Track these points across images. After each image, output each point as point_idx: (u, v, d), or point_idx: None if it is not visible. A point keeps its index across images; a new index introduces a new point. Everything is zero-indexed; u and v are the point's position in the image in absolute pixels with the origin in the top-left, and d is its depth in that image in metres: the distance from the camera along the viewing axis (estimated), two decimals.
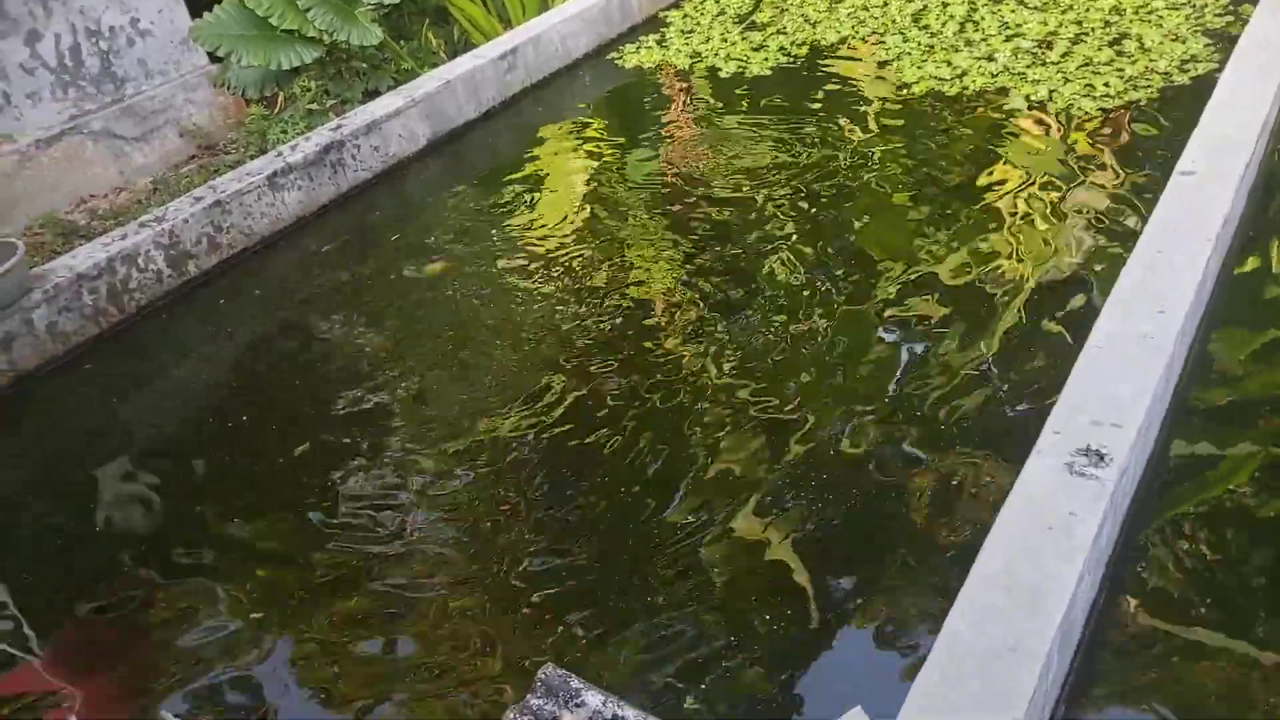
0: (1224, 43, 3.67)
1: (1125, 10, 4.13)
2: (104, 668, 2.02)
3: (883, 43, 4.33)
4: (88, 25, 4.53)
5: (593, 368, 2.60)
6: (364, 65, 5.10)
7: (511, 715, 1.38)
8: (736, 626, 1.84)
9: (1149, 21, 3.99)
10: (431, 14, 5.55)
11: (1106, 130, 3.34)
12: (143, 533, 2.37)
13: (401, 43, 5.32)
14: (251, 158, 4.68)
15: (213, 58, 4.94)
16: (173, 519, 2.39)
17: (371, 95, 4.95)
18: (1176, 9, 4.06)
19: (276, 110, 5.04)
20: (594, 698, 1.37)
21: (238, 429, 2.62)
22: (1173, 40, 3.81)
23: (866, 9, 4.73)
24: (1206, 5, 4.05)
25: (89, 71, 4.58)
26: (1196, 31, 3.84)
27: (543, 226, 3.37)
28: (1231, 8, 3.98)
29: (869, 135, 3.60)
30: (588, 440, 2.36)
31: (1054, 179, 3.10)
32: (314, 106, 4.87)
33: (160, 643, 2.04)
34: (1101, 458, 1.70)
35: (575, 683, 1.39)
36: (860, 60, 4.26)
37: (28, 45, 4.34)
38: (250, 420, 2.65)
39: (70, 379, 2.93)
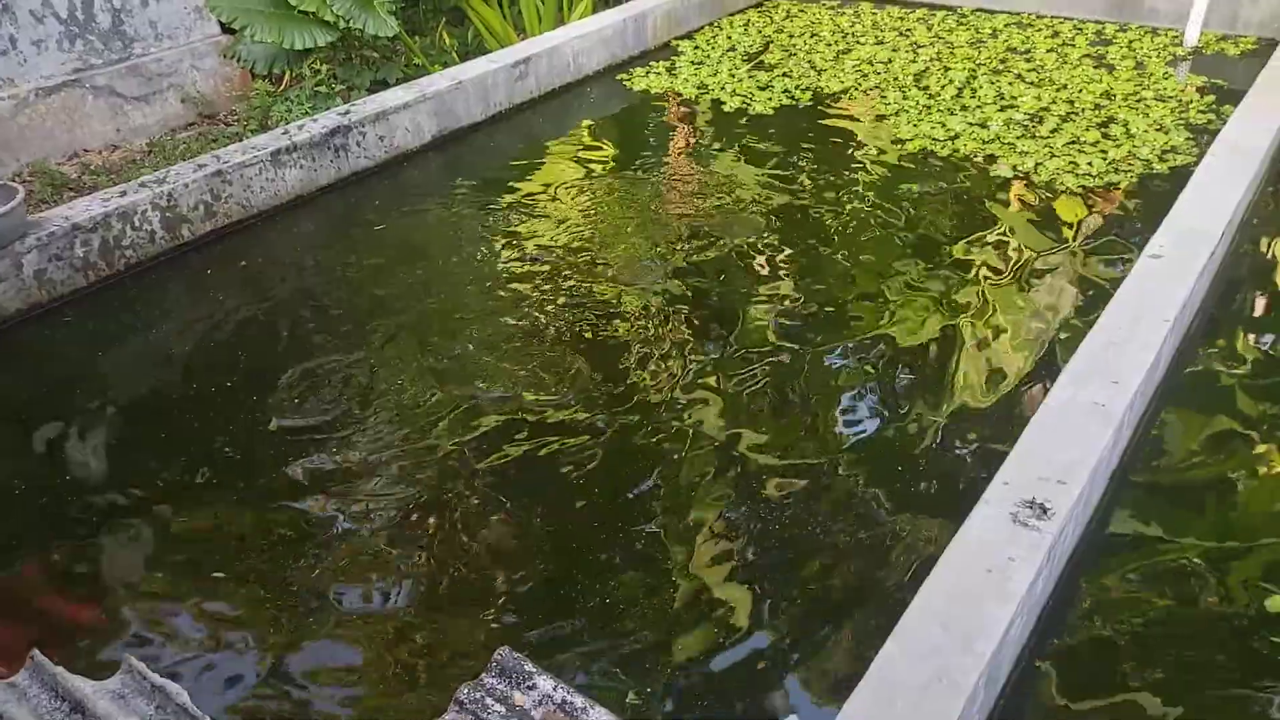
0: (1204, 138, 3.85)
1: (1116, 96, 4.31)
2: (57, 611, 2.04)
3: (883, 98, 4.47)
4: None
5: (556, 380, 2.67)
6: (375, 55, 5.17)
7: (465, 691, 1.43)
8: (676, 635, 1.91)
9: (1137, 110, 4.17)
10: (448, 13, 5.64)
11: (1085, 207, 3.49)
12: (98, 483, 2.39)
13: (415, 38, 5.40)
14: (252, 132, 4.72)
15: (225, 29, 4.98)
16: (129, 473, 2.41)
17: (379, 85, 5.02)
18: (1163, 101, 4.24)
19: (282, 88, 5.08)
20: (545, 682, 1.43)
21: (206, 395, 2.65)
22: (1157, 130, 3.98)
23: (871, 64, 4.89)
24: (1191, 101, 4.24)
25: (99, 26, 4.60)
26: (1180, 125, 4.02)
27: (531, 235, 3.44)
28: (1214, 106, 4.17)
29: (858, 184, 3.72)
30: (545, 452, 2.42)
31: (1029, 247, 3.24)
32: (321, 89, 4.92)
33: (110, 590, 2.06)
34: (1045, 511, 1.80)
35: (529, 666, 1.45)
36: (860, 112, 4.40)
37: None
38: (218, 388, 2.67)
39: (50, 328, 2.95)
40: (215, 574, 2.10)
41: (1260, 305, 2.96)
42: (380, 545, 2.15)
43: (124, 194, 3.18)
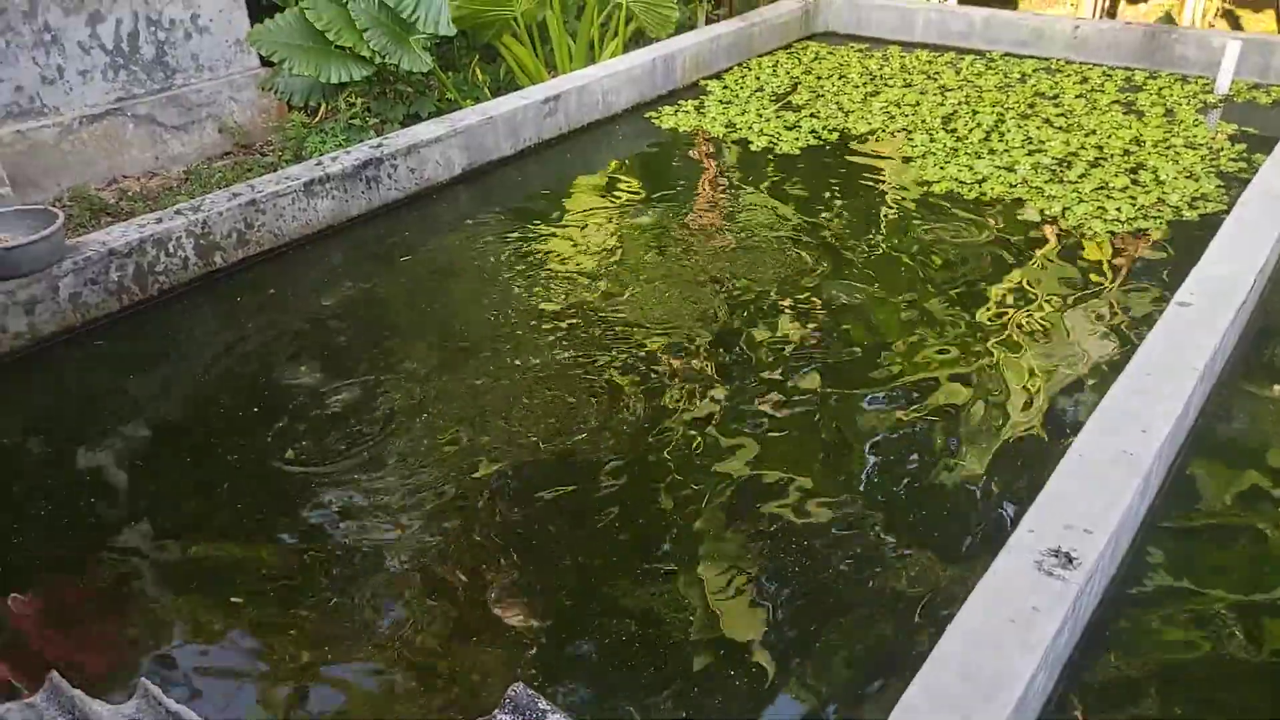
0: (1234, 185, 3.82)
1: (1145, 142, 4.30)
2: (76, 633, 2.06)
3: (911, 140, 4.49)
4: (150, 15, 4.69)
5: (578, 418, 2.67)
6: (409, 90, 5.26)
7: None
8: (692, 677, 1.89)
9: (1166, 156, 4.16)
10: (481, 50, 5.73)
11: (1113, 253, 3.46)
12: (118, 506, 2.41)
13: (449, 74, 5.49)
14: (287, 162, 4.81)
15: (264, 61, 5.10)
16: (150, 498, 2.43)
17: (412, 119, 5.10)
18: (1194, 148, 4.23)
19: (317, 120, 5.18)
20: None
21: (231, 421, 2.68)
22: (1186, 177, 3.96)
23: (899, 106, 4.91)
24: (1222, 149, 4.22)
25: (143, 58, 4.73)
26: (1210, 172, 4.00)
27: (556, 271, 3.47)
28: (1245, 154, 4.15)
29: (885, 225, 3.73)
30: (565, 490, 2.42)
31: (1056, 292, 3.22)
32: (355, 122, 5.01)
33: (131, 614, 2.07)
34: (1070, 560, 1.77)
35: (543, 704, 1.44)
36: (887, 153, 4.41)
37: (89, 25, 4.49)
38: (244, 415, 2.70)
39: (83, 350, 3.00)
40: (233, 600, 2.11)
41: None
42: (396, 580, 2.15)
43: (160, 221, 3.24)
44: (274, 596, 2.12)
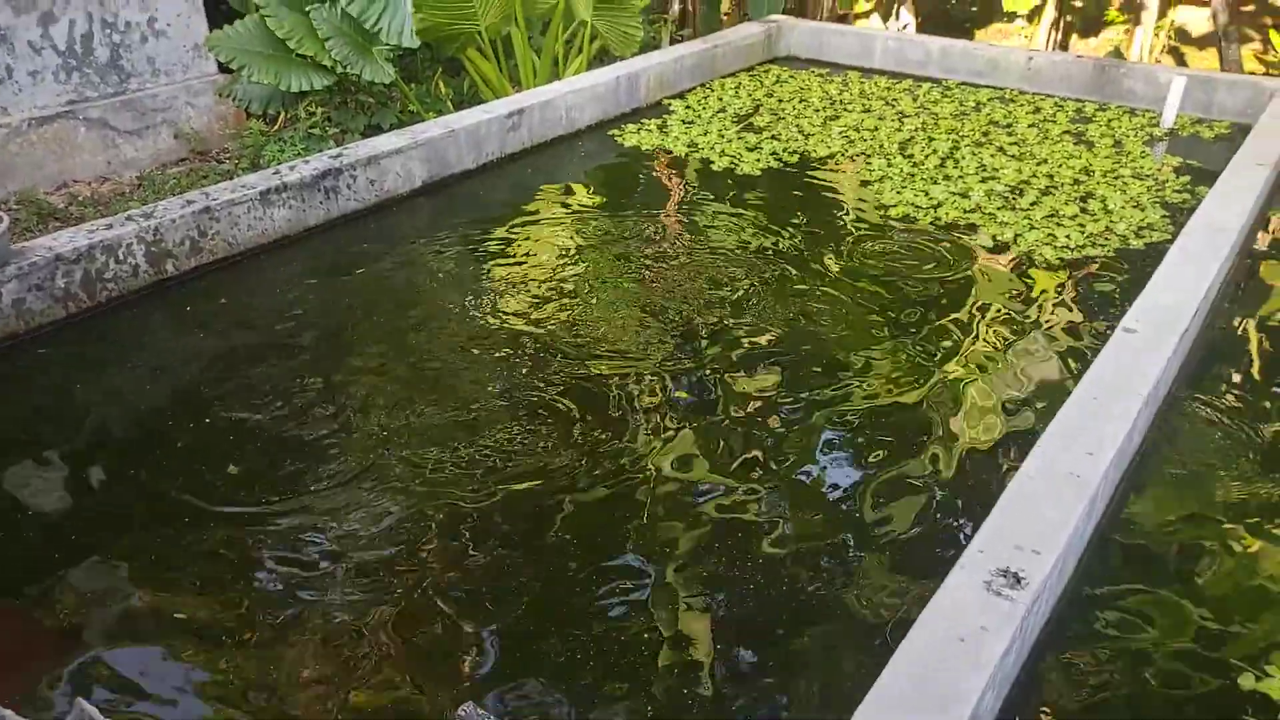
0: (1179, 216, 3.94)
1: (1095, 172, 4.42)
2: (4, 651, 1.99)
3: (869, 164, 4.56)
4: (105, 17, 4.61)
5: (536, 433, 2.66)
6: (370, 100, 5.23)
7: None
8: (645, 694, 1.88)
9: (1114, 186, 4.27)
10: (445, 63, 5.72)
11: (1062, 278, 3.55)
12: (56, 520, 2.35)
13: (411, 86, 5.47)
14: (243, 170, 4.75)
15: (223, 68, 5.04)
16: (88, 512, 2.37)
17: (373, 130, 5.07)
18: (1141, 179, 4.35)
19: (276, 128, 5.12)
20: None
21: (175, 433, 2.62)
22: (1134, 207, 4.07)
23: (858, 130, 4.99)
24: (1168, 181, 4.35)
25: (96, 60, 4.64)
26: (1156, 203, 4.12)
27: (514, 285, 3.46)
28: (1189, 186, 4.28)
29: (841, 247, 3.78)
30: (518, 507, 2.40)
31: (1007, 316, 3.28)
32: (315, 131, 4.97)
33: (63, 631, 2.01)
34: (1019, 580, 1.80)
35: None
36: (845, 176, 4.48)
37: (41, 25, 4.40)
38: (189, 427, 2.65)
39: (26, 357, 2.92)
40: (176, 615, 2.06)
41: (1233, 381, 3.01)
42: (343, 599, 2.11)
43: (110, 227, 3.17)
44: (214, 614, 2.07)
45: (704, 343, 3.10)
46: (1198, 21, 8.17)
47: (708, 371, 2.94)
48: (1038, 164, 4.51)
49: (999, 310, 3.32)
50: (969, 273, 3.58)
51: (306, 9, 4.81)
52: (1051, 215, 3.99)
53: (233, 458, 2.52)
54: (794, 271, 3.57)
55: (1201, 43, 8.15)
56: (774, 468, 2.53)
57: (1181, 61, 7.98)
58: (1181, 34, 8.24)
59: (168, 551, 2.23)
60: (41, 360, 2.92)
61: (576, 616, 2.07)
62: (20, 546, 2.25)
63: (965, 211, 4.04)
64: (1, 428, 2.65)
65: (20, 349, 2.94)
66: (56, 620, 2.05)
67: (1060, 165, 4.49)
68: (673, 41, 6.68)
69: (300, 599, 2.10)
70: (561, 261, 3.64)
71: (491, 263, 3.62)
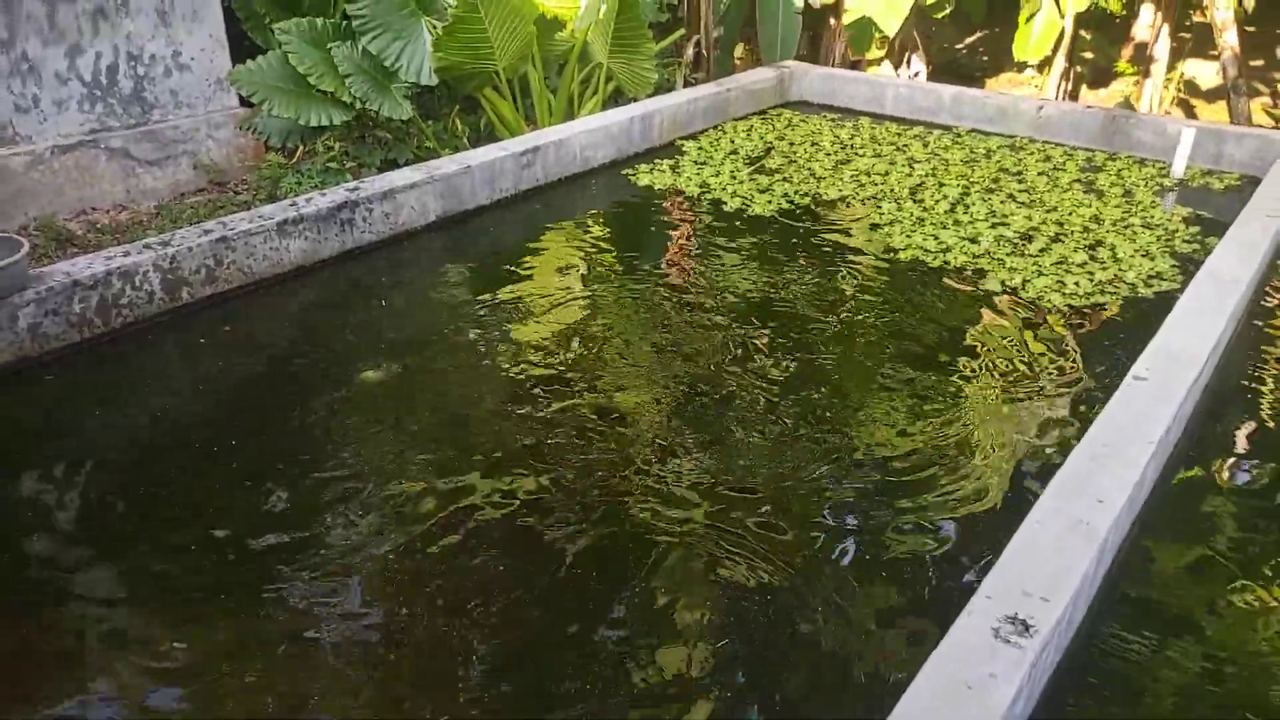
0: (1188, 266, 3.95)
1: (1104, 221, 4.44)
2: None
3: (879, 208, 4.59)
4: (130, 50, 4.71)
5: (539, 472, 2.66)
6: (388, 136, 5.31)
7: None
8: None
9: (1124, 235, 4.29)
10: (462, 101, 5.81)
11: (1071, 326, 3.55)
12: (56, 539, 2.35)
13: (428, 122, 5.55)
14: (261, 201, 4.81)
15: (243, 101, 5.12)
16: (90, 533, 2.37)
17: (389, 165, 5.14)
18: (1150, 229, 4.37)
19: (294, 161, 5.20)
20: None
21: (179, 466, 2.62)
22: (1143, 256, 4.08)
23: (869, 175, 5.04)
24: (1177, 231, 4.36)
25: (120, 92, 4.73)
26: (1165, 252, 4.13)
27: (524, 321, 3.48)
28: (1199, 237, 4.29)
29: (850, 290, 3.79)
30: (520, 545, 2.40)
31: (1015, 361, 3.28)
32: (332, 165, 5.03)
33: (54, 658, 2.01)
34: (1027, 627, 1.78)
35: None
36: (855, 220, 4.51)
37: (68, 57, 4.49)
38: (193, 462, 2.65)
39: (40, 380, 2.94)
40: (175, 645, 2.05)
41: (1243, 431, 3.00)
42: (342, 630, 2.11)
43: (127, 254, 3.21)
44: (213, 640, 2.06)
45: (711, 383, 3.10)
46: (1207, 75, 8.25)
47: (714, 412, 2.94)
48: (1047, 211, 4.53)
49: (1007, 355, 3.32)
50: (977, 317, 3.59)
51: (328, 46, 4.90)
52: (1060, 262, 4.01)
53: (236, 484, 2.53)
54: (802, 313, 3.58)
55: (1210, 95, 8.22)
56: (779, 511, 2.52)
57: (1191, 114, 8.05)
58: (1190, 86, 8.32)
59: (167, 573, 2.23)
60: (54, 384, 2.94)
61: (568, 647, 2.05)
62: (23, 564, 2.25)
63: (974, 257, 4.06)
64: (13, 448, 2.67)
65: (35, 371, 2.96)
66: (56, 637, 2.05)
67: (1070, 213, 4.51)
68: (686, 84, 6.78)
69: (296, 623, 2.09)
70: (571, 299, 3.67)
71: (502, 299, 3.65)
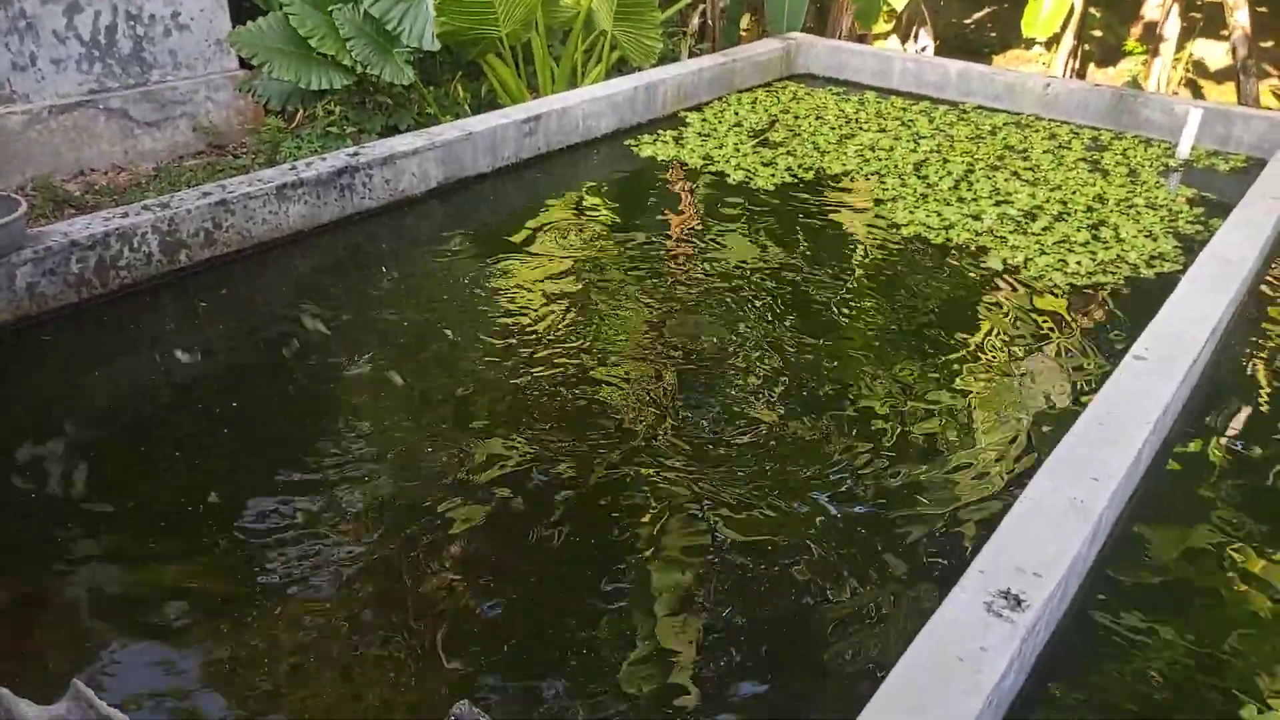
0: (1191, 247, 3.93)
1: (1108, 200, 4.41)
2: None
3: (883, 183, 4.57)
4: (129, 9, 4.65)
5: (539, 442, 2.66)
6: (389, 101, 5.26)
7: None
8: (637, 702, 1.88)
9: (1127, 215, 4.27)
10: (465, 68, 5.75)
11: (1071, 304, 3.54)
12: (52, 507, 2.36)
13: (430, 88, 5.50)
14: (260, 165, 4.77)
15: (243, 63, 5.07)
16: (88, 497, 2.38)
17: (390, 130, 5.10)
18: (1154, 209, 4.34)
19: (294, 125, 5.15)
20: None
21: (172, 423, 2.62)
22: (1145, 236, 4.07)
23: (873, 150, 5.00)
24: (1181, 212, 4.34)
25: (119, 51, 4.68)
26: (1168, 233, 4.11)
27: (523, 290, 3.47)
28: (1203, 218, 4.27)
29: (852, 265, 3.78)
30: (518, 511, 2.40)
31: (1015, 340, 3.28)
32: (332, 129, 4.99)
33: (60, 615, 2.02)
34: (1019, 602, 1.79)
35: None
36: (859, 194, 4.49)
37: (67, 15, 4.44)
38: (189, 416, 2.65)
39: (37, 341, 2.93)
40: (166, 605, 2.06)
41: (1241, 413, 3.00)
42: (340, 597, 2.12)
43: (126, 215, 3.20)
44: (210, 609, 2.07)
45: (711, 359, 3.10)
46: (1216, 55, 8.18)
47: (713, 389, 2.94)
48: (1051, 190, 4.51)
49: (1007, 333, 3.32)
50: (978, 295, 3.58)
51: (329, 8, 4.84)
52: (1063, 241, 3.99)
53: (228, 451, 2.53)
54: (802, 288, 3.57)
55: (1219, 76, 8.15)
56: (777, 485, 2.53)
57: (1199, 94, 7.98)
58: (1199, 67, 8.25)
59: (159, 542, 2.24)
60: (51, 343, 2.94)
61: (567, 615, 2.07)
62: (21, 530, 2.26)
63: (976, 234, 4.04)
64: (10, 410, 2.66)
65: (32, 331, 2.95)
66: (55, 604, 2.06)
67: (1074, 192, 4.49)
68: (691, 54, 6.71)
69: (295, 594, 2.10)
70: (569, 270, 3.65)
71: (501, 268, 3.63)
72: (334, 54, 4.84)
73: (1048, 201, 4.37)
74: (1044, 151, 5.05)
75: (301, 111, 5.18)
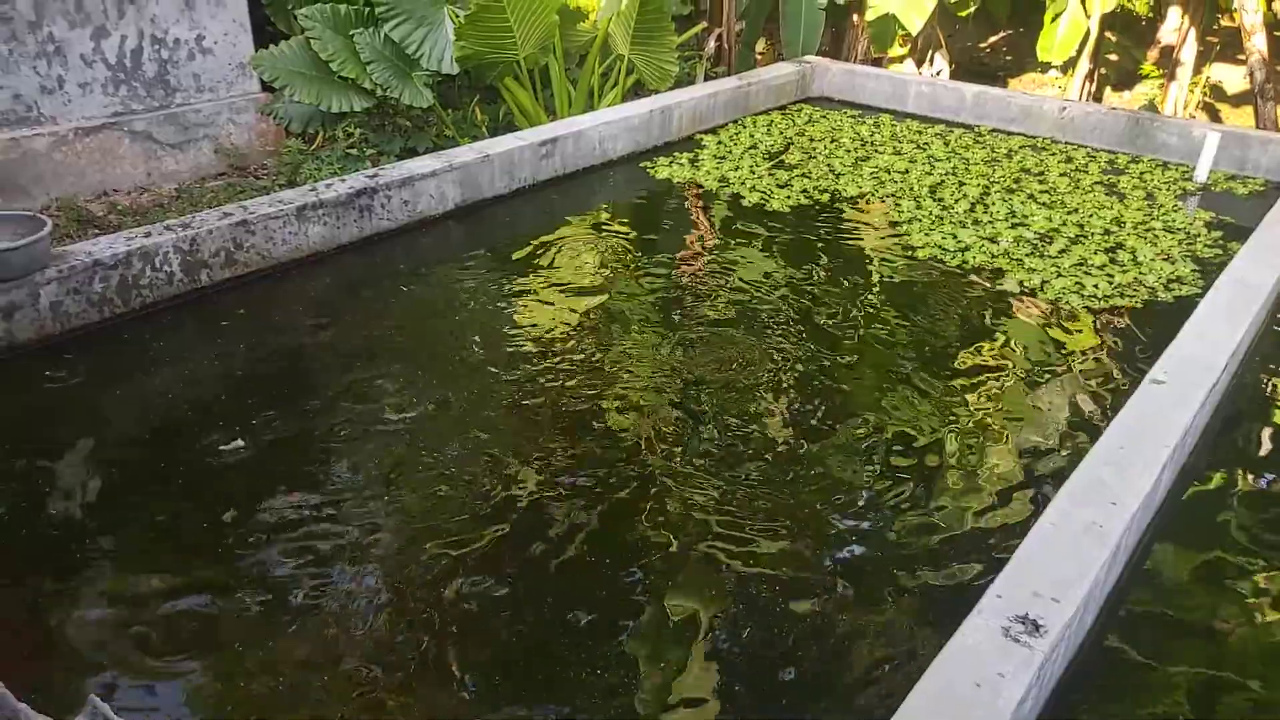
0: (1209, 270, 3.91)
1: (1126, 224, 4.40)
2: (15, 647, 2.01)
3: (898, 205, 4.57)
4: (155, 33, 4.73)
5: (552, 462, 2.66)
6: (408, 124, 5.32)
7: None
8: None
9: (1145, 238, 4.25)
10: (483, 91, 5.81)
11: (1088, 327, 3.52)
12: (65, 522, 2.37)
13: (449, 111, 5.56)
14: (280, 187, 4.83)
15: (265, 86, 5.15)
16: (101, 513, 2.40)
17: (408, 152, 5.15)
18: (1172, 232, 4.33)
19: (314, 147, 5.22)
20: None
21: (186, 450, 2.63)
22: (1163, 260, 4.05)
23: (889, 172, 5.01)
24: (1199, 235, 4.32)
25: (144, 75, 4.75)
26: (1186, 256, 4.09)
27: (539, 313, 3.48)
28: (1220, 241, 4.25)
29: (867, 287, 3.78)
30: (529, 536, 2.40)
31: (1032, 363, 3.26)
32: (352, 151, 5.05)
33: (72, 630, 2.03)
34: (1037, 628, 1.78)
35: None
36: (874, 217, 4.49)
37: (94, 40, 4.52)
38: (207, 432, 2.67)
39: (59, 359, 2.96)
40: (182, 622, 2.07)
41: (1260, 439, 2.97)
42: (350, 620, 2.12)
43: (148, 235, 3.24)
44: (220, 624, 2.08)
45: (725, 382, 3.10)
46: (1233, 79, 8.16)
47: (726, 411, 2.94)
48: (1068, 213, 4.50)
49: (1023, 356, 3.31)
50: (994, 318, 3.57)
51: (351, 33, 4.92)
52: (1080, 264, 3.98)
53: (246, 470, 2.54)
54: (818, 310, 3.57)
55: (1236, 100, 8.13)
56: (793, 508, 2.52)
57: (1216, 118, 7.96)
58: (1216, 91, 8.23)
59: (177, 559, 2.25)
60: (74, 361, 2.97)
61: (575, 640, 2.06)
62: (42, 545, 2.27)
63: (992, 256, 4.04)
64: (31, 426, 2.69)
65: (55, 350, 2.99)
66: (73, 619, 2.07)
67: (1091, 215, 4.48)
68: (707, 78, 6.76)
69: (311, 612, 2.10)
70: (586, 291, 3.67)
71: (516, 289, 3.65)
72: (354, 77, 4.90)
73: (1064, 224, 4.36)
74: (1060, 174, 5.05)
75: (322, 134, 5.25)
